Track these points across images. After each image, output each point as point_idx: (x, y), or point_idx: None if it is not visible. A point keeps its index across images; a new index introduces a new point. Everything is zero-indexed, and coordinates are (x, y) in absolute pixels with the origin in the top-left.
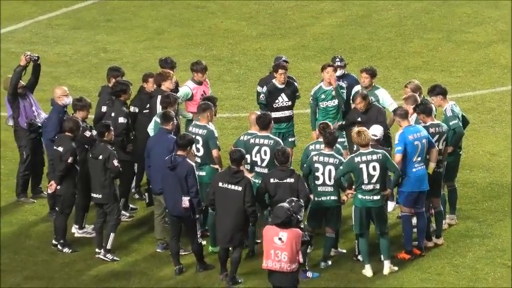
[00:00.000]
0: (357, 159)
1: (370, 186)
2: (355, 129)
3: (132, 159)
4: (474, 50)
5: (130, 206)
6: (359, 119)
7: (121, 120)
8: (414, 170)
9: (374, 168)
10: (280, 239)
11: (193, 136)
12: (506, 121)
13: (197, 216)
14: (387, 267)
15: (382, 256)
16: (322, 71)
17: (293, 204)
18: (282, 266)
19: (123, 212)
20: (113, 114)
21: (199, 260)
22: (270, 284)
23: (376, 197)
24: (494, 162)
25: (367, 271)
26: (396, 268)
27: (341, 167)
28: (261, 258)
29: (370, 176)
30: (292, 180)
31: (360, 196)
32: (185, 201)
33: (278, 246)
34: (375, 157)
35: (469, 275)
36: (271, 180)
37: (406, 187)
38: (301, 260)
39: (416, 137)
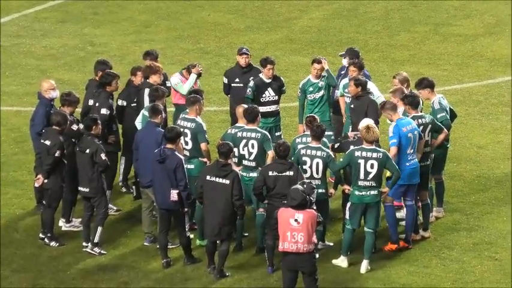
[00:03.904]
0: (357, 153)
1: (367, 183)
2: (365, 123)
3: (115, 150)
4: (461, 43)
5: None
6: (352, 106)
7: (103, 111)
8: (408, 164)
9: (372, 166)
10: (296, 220)
11: (182, 129)
12: (493, 114)
13: (186, 209)
14: (365, 266)
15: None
16: (312, 64)
17: (305, 186)
18: (298, 247)
19: (110, 205)
20: (97, 105)
21: (187, 253)
22: (285, 269)
23: (373, 192)
24: (481, 155)
25: (343, 262)
26: (369, 267)
27: (341, 159)
28: (248, 251)
29: (366, 173)
30: (291, 173)
31: (357, 193)
32: (173, 195)
33: (294, 228)
34: (375, 155)
35: (456, 268)
36: (270, 173)
37: (399, 180)
38: (315, 240)
39: (409, 129)
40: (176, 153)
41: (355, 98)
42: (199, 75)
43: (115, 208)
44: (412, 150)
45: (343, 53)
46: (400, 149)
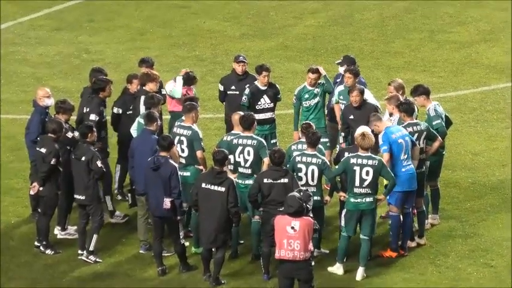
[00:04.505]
0: (353, 160)
1: (362, 190)
2: (360, 130)
3: (101, 156)
4: (456, 50)
5: None
6: (351, 117)
7: (92, 117)
8: (404, 169)
9: (367, 173)
10: (292, 228)
11: (178, 137)
12: (488, 121)
13: (179, 217)
14: (360, 273)
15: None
16: (307, 73)
17: (302, 193)
18: (295, 255)
19: (117, 213)
20: (88, 110)
21: (182, 261)
22: (281, 277)
23: (368, 199)
24: (477, 162)
25: (339, 269)
26: (365, 274)
27: (337, 167)
28: (243, 259)
29: (362, 180)
30: (286, 180)
31: (352, 200)
32: (166, 202)
33: (291, 235)
34: (370, 162)
35: (452, 275)
36: (265, 180)
37: (397, 187)
38: (312, 248)
39: (399, 135)
40: (170, 161)
41: (355, 107)
42: (187, 77)
43: (122, 215)
44: (406, 156)
45: (340, 61)
46: (393, 155)
